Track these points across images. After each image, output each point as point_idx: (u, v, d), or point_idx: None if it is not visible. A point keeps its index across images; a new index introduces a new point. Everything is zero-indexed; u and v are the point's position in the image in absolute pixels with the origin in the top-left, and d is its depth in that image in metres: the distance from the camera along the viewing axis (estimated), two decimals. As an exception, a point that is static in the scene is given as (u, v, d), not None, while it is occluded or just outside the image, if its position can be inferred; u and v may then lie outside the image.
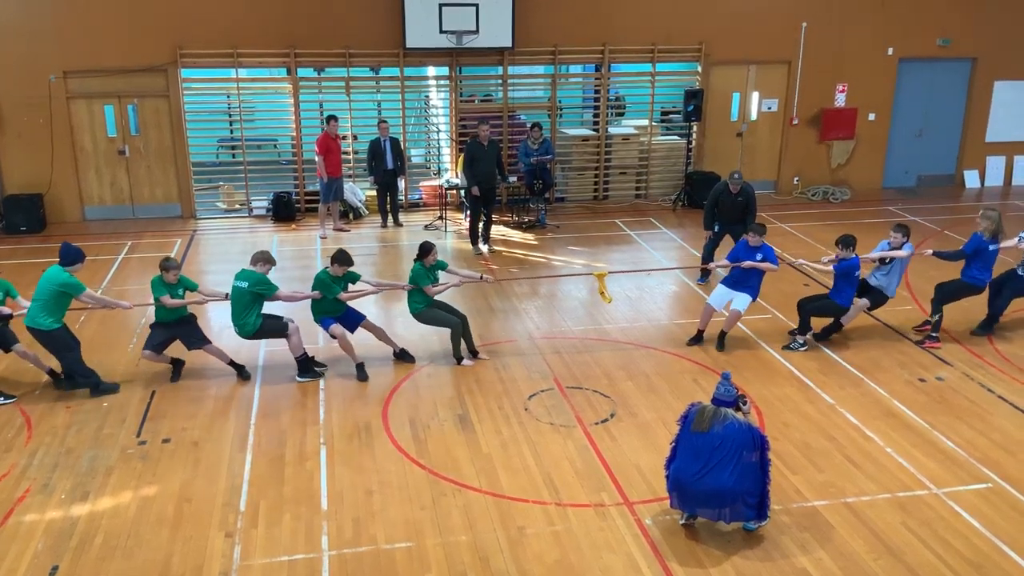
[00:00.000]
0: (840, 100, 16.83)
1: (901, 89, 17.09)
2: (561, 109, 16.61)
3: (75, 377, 8.54)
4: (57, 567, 6.03)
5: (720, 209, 11.42)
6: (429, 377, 9.01)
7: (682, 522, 6.48)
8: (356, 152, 15.75)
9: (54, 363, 8.71)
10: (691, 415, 6.26)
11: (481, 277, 9.75)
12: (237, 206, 15.82)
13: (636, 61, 16.28)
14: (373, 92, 16.22)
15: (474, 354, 9.38)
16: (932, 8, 16.50)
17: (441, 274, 9.29)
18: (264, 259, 8.73)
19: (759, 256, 9.55)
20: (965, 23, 16.71)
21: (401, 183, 15.27)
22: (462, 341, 9.27)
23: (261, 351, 9.35)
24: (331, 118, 14.19)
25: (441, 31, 14.55)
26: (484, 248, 13.38)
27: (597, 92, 16.52)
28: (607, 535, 6.41)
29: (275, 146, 18.11)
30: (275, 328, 8.80)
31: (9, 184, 14.55)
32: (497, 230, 14.61)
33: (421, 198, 16.39)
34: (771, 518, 6.49)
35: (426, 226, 14.78)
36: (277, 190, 15.49)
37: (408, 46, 14.75)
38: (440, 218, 14.85)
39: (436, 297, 9.19)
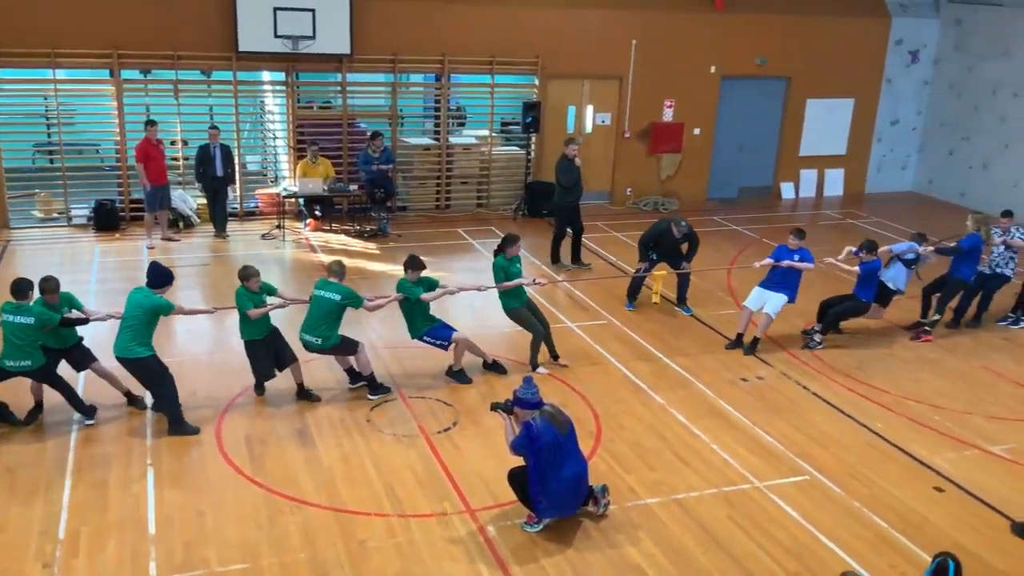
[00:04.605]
0: (668, 115, 17.62)
1: (723, 105, 18.06)
2: (402, 118, 16.54)
3: (162, 410, 8.03)
4: None
5: (658, 245, 11.32)
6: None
7: (540, 528, 6.59)
8: (186, 159, 15.10)
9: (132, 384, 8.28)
10: (540, 431, 6.32)
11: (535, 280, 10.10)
12: (55, 215, 14.82)
13: (476, 72, 16.45)
14: (205, 96, 15.59)
15: (555, 358, 9.72)
16: (750, 30, 17.55)
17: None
18: (341, 272, 8.69)
19: (796, 258, 10.09)
20: (780, 45, 17.86)
21: (231, 191, 14.76)
22: (543, 348, 9.58)
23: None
24: (149, 123, 13.51)
25: (276, 35, 14.20)
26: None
27: (438, 102, 16.58)
28: (449, 544, 6.44)
29: (97, 151, 17.07)
30: (349, 345, 8.71)
31: None
32: (338, 239, 14.41)
33: (258, 206, 15.91)
34: (607, 516, 6.76)
35: (264, 235, 14.35)
36: (100, 197, 14.63)
37: (241, 49, 14.29)
38: (278, 227, 14.46)
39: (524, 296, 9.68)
